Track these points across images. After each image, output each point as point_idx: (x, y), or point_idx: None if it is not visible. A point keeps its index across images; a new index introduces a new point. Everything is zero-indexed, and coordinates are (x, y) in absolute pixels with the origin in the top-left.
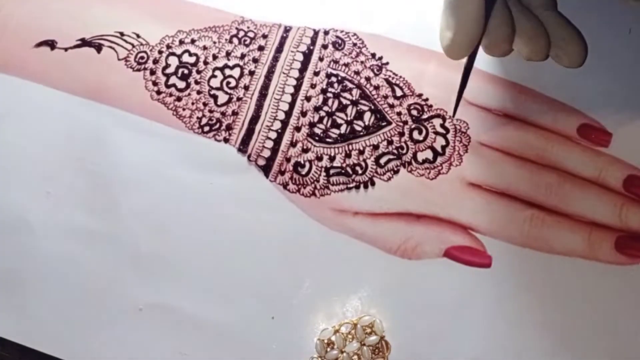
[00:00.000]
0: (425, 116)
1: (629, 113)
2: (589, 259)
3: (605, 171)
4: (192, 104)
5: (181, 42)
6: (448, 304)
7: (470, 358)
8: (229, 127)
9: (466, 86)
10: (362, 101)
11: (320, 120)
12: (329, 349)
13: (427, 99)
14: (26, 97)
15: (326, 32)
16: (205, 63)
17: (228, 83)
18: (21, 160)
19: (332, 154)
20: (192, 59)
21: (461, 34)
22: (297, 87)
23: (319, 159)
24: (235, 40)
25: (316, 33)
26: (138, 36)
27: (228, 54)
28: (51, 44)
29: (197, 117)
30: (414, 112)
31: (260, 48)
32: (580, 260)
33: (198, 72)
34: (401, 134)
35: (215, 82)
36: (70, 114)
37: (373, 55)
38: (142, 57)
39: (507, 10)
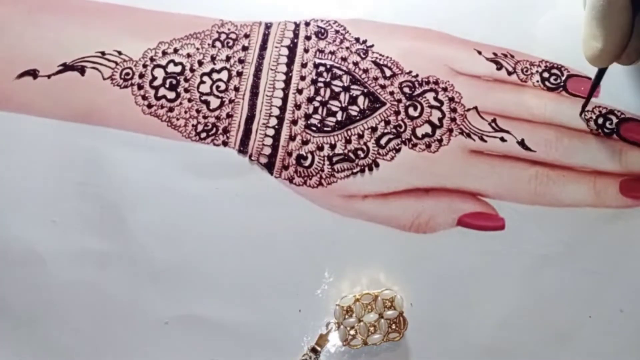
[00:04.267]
0: (417, 92)
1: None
2: (597, 207)
3: (600, 120)
4: (185, 112)
5: (164, 53)
6: (468, 271)
7: (495, 322)
8: (225, 130)
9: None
10: (354, 86)
11: (315, 110)
12: (347, 316)
13: (416, 75)
14: (16, 130)
15: (307, 24)
16: (192, 70)
17: (218, 87)
18: (21, 193)
19: (333, 142)
20: (178, 68)
21: (610, 44)
22: (287, 82)
23: (320, 148)
24: (218, 44)
25: (297, 26)
26: (120, 53)
27: (213, 58)
28: (33, 73)
29: (192, 125)
30: (406, 90)
31: (244, 48)
32: (589, 209)
33: (186, 80)
34: (397, 113)
35: (204, 88)
36: (64, 141)
37: (357, 39)
38: (127, 74)
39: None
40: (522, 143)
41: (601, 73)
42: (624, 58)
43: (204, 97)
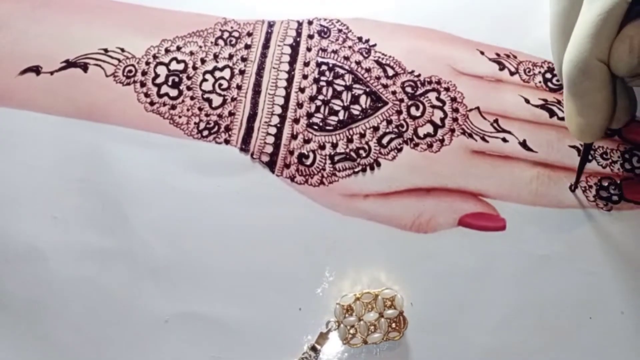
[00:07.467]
0: (419, 92)
1: None
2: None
3: None
4: (188, 110)
5: (167, 51)
6: (468, 271)
7: (495, 322)
8: (227, 128)
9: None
10: (356, 85)
11: (317, 109)
12: (347, 315)
13: (419, 75)
14: (18, 126)
15: (310, 22)
16: (195, 68)
17: (220, 85)
18: (22, 189)
19: (334, 141)
20: (181, 66)
21: (596, 118)
22: (290, 80)
23: (322, 147)
24: (220, 42)
25: (300, 24)
26: (123, 50)
27: (216, 57)
28: (36, 70)
29: (195, 123)
30: (408, 89)
31: (247, 46)
32: (590, 209)
33: (188, 78)
34: (399, 112)
35: (207, 86)
36: (66, 137)
37: (360, 38)
38: (130, 71)
39: (623, 86)
40: (523, 144)
41: (588, 148)
42: (614, 123)
43: (206, 95)
